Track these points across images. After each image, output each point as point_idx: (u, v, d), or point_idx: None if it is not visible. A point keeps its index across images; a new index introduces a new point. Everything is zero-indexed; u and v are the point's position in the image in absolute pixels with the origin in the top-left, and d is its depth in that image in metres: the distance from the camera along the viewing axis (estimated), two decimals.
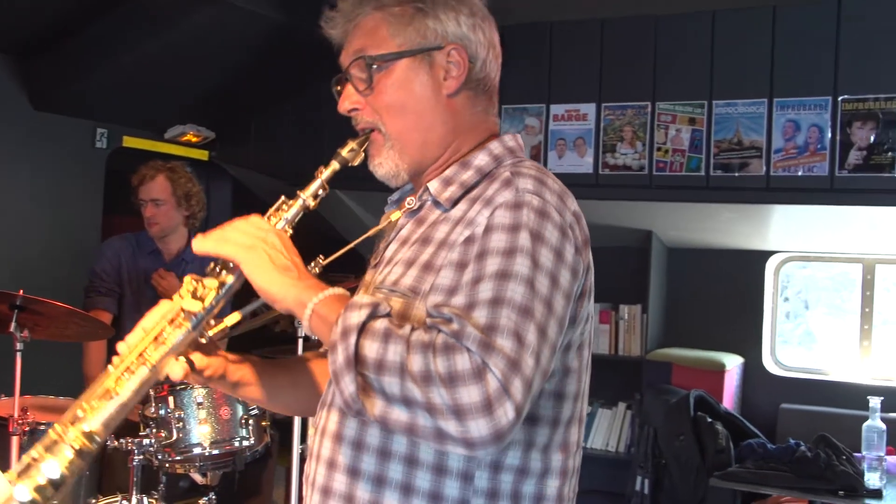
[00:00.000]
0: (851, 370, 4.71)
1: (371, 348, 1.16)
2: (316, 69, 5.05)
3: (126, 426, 3.38)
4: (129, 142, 5.12)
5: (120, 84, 4.54)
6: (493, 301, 1.19)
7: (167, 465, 3.01)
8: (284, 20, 4.38)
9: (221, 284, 1.33)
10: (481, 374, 1.13)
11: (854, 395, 4.45)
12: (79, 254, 4.63)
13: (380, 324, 1.19)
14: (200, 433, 3.00)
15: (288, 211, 1.43)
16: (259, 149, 5.42)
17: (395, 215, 1.49)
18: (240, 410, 3.09)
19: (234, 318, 1.41)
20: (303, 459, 3.31)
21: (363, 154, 1.48)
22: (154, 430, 3.00)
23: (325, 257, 1.47)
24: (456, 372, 1.13)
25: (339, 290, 1.27)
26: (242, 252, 1.29)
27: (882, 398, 3.75)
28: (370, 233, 1.54)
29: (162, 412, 2.97)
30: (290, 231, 1.41)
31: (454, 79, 1.43)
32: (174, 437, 2.94)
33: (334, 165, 1.47)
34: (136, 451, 2.93)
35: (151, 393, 3.04)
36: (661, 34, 4.34)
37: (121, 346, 1.34)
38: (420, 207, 1.45)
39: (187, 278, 1.33)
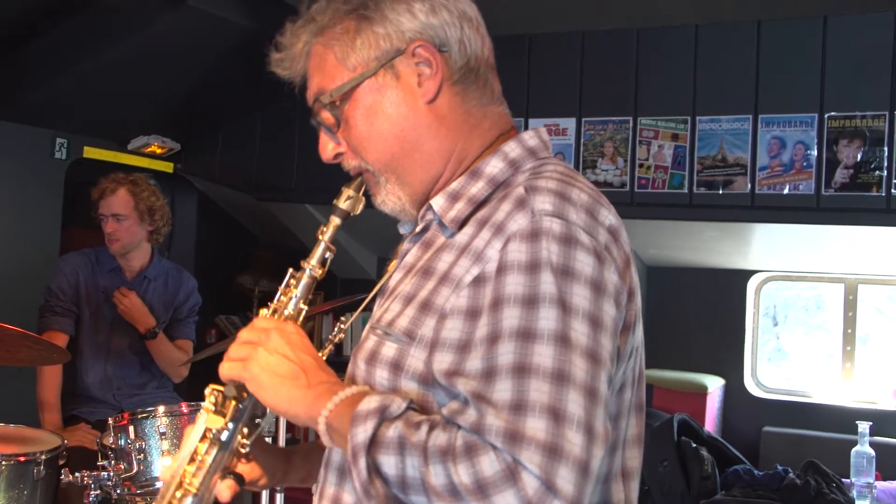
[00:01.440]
0: (834, 392, 4.62)
1: (388, 464, 1.02)
2: (288, 79, 4.91)
3: (83, 456, 3.18)
4: (90, 153, 4.91)
5: (81, 92, 4.34)
6: (516, 369, 1.00)
7: (127, 499, 2.81)
8: (255, 27, 4.22)
9: (241, 392, 1.21)
10: (514, 475, 0.95)
11: (838, 418, 4.37)
12: (36, 270, 4.41)
13: (393, 431, 1.03)
14: (163, 465, 2.79)
15: (297, 287, 1.30)
16: (227, 161, 5.24)
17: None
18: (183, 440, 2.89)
19: (269, 419, 1.30)
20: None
21: (363, 200, 1.30)
22: (113, 462, 2.80)
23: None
24: (484, 479, 0.96)
25: (350, 392, 1.12)
26: (243, 370, 1.18)
27: (871, 423, 3.65)
28: (390, 270, 1.35)
29: (121, 442, 2.75)
30: (306, 307, 1.29)
31: (429, 80, 1.23)
32: (135, 469, 2.74)
33: (335, 221, 1.31)
34: (92, 486, 2.73)
35: (110, 422, 2.85)
36: (643, 48, 4.23)
37: (164, 473, 1.26)
38: (426, 228, 1.26)
39: (208, 389, 1.22)
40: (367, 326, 1.26)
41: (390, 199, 1.28)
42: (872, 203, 3.82)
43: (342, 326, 1.35)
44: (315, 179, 4.99)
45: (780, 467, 3.75)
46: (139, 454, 2.74)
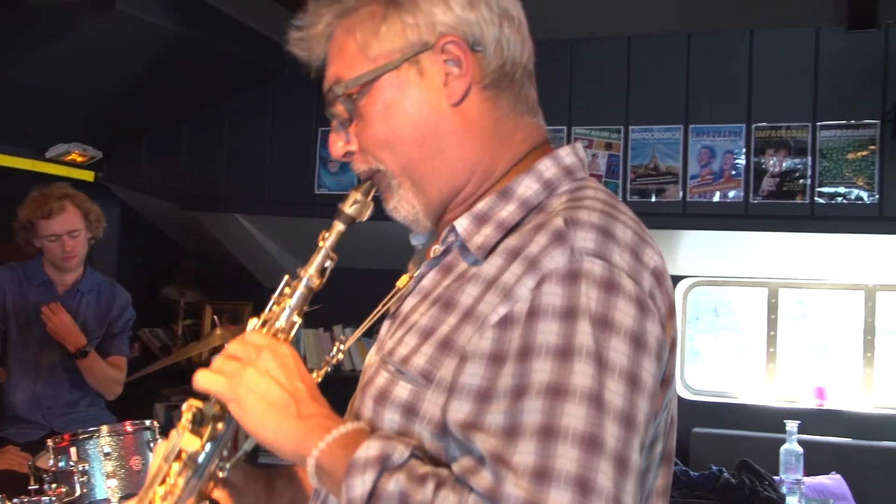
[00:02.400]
0: (759, 393, 4.78)
1: None
2: (217, 86, 4.81)
3: (13, 481, 3.05)
4: (5, 160, 4.71)
5: None
6: (543, 430, 0.89)
7: None
8: (184, 33, 4.12)
9: (223, 412, 1.10)
10: None
11: (763, 418, 4.51)
12: None
13: (394, 485, 0.92)
14: (108, 487, 2.69)
15: (292, 297, 1.16)
16: (151, 170, 5.10)
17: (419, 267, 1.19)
18: (151, 458, 2.80)
19: (252, 442, 1.14)
20: None
21: (371, 205, 1.17)
22: (53, 486, 2.69)
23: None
24: None
25: (345, 430, 1.01)
26: (228, 388, 1.05)
27: (799, 422, 3.78)
28: (399, 290, 1.23)
29: (62, 464, 2.65)
30: (299, 320, 1.16)
31: (457, 80, 1.10)
32: (77, 492, 2.63)
33: (339, 227, 1.16)
34: None
35: (50, 443, 2.74)
36: (578, 58, 4.30)
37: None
38: (446, 251, 1.13)
39: (185, 405, 1.10)
40: (376, 355, 1.16)
41: (403, 207, 1.16)
42: (797, 210, 3.98)
43: (342, 348, 1.21)
44: (245, 188, 4.91)
45: (714, 467, 3.86)
46: (82, 476, 2.64)
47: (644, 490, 1.07)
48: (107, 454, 2.70)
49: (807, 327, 5.02)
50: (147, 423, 2.86)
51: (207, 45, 4.32)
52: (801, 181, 3.98)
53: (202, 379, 1.07)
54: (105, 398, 3.60)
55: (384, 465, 0.94)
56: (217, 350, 2.88)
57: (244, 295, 5.46)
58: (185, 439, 1.10)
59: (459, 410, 0.97)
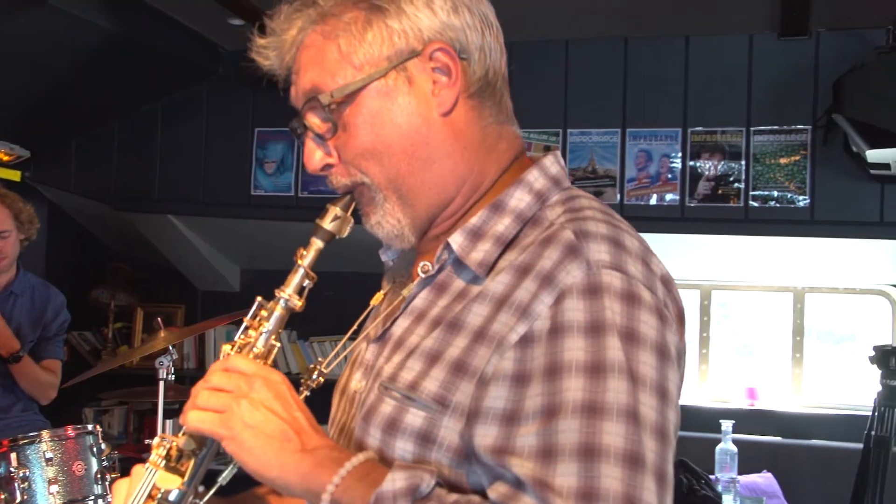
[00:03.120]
0: (693, 393, 4.86)
1: None
2: (149, 85, 4.71)
3: None
4: None
5: None
6: (583, 451, 0.87)
7: None
8: (116, 30, 4.02)
9: (200, 446, 1.04)
10: None
11: (697, 418, 4.58)
12: None
13: None
14: (50, 493, 2.61)
15: (269, 319, 1.09)
16: (81, 170, 4.97)
17: (406, 289, 1.13)
18: (94, 464, 2.73)
19: (227, 476, 1.08)
20: None
21: (352, 221, 1.12)
22: None
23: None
24: None
25: (358, 461, 0.95)
26: (220, 425, 0.98)
27: (733, 421, 3.86)
28: (374, 308, 1.20)
29: (1, 471, 2.57)
30: (278, 345, 1.10)
31: (447, 89, 1.06)
32: (17, 498, 2.56)
33: (317, 244, 1.10)
34: None
35: None
36: (515, 61, 4.28)
37: None
38: (440, 270, 1.08)
39: (157, 439, 1.04)
40: (363, 379, 1.12)
41: (388, 222, 1.10)
42: (732, 214, 4.06)
43: (323, 370, 1.15)
44: (179, 189, 4.82)
45: None
46: (23, 483, 2.57)
47: None
48: (48, 460, 2.63)
49: (737, 329, 5.13)
50: (89, 427, 2.79)
51: (140, 43, 4.23)
52: (736, 185, 4.07)
53: (192, 419, 1.00)
54: (39, 403, 3.49)
55: (414, 497, 0.90)
56: (163, 351, 2.82)
57: (177, 297, 5.35)
58: (160, 477, 1.03)
59: (486, 435, 0.94)
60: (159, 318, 2.91)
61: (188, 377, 4.93)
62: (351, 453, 0.98)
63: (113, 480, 2.80)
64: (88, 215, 5.23)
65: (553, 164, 1.12)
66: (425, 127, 1.07)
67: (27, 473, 2.58)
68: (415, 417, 0.99)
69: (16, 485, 2.57)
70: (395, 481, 0.91)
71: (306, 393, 1.12)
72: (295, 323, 4.61)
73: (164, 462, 1.04)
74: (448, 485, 0.97)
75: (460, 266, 1.06)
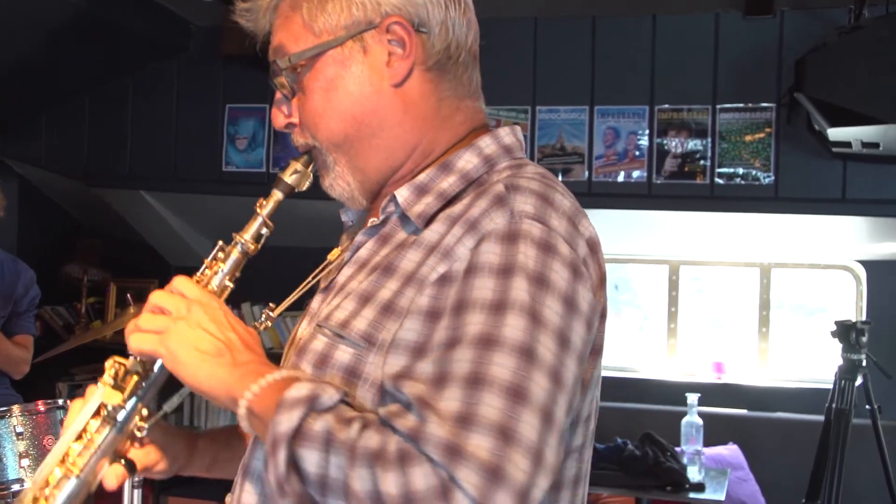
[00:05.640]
0: (661, 367, 4.94)
1: (310, 460, 0.91)
2: (120, 59, 4.70)
3: None
4: None
5: None
6: (470, 379, 0.90)
7: None
8: (86, 5, 4.01)
9: (147, 370, 1.10)
10: (447, 494, 0.85)
11: (664, 391, 4.66)
12: None
13: (321, 424, 0.92)
14: (21, 467, 2.63)
15: (225, 260, 1.16)
16: (52, 145, 4.96)
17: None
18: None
19: (174, 402, 1.16)
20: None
21: (311, 176, 1.19)
22: None
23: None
24: (413, 492, 0.86)
25: (279, 376, 1.00)
26: (159, 343, 1.05)
27: (699, 395, 3.93)
28: (331, 263, 1.23)
29: None
30: (231, 285, 1.17)
31: (400, 61, 1.11)
32: None
33: (276, 196, 1.18)
34: None
35: None
36: (484, 38, 4.32)
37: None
38: (384, 222, 1.14)
39: (109, 361, 1.10)
40: (307, 321, 1.17)
41: (338, 184, 1.17)
42: (698, 191, 4.12)
43: (271, 315, 1.22)
44: (151, 165, 4.82)
45: (619, 440, 3.97)
46: None
47: (584, 470, 1.11)
48: (19, 434, 2.65)
49: (704, 303, 5.20)
50: (60, 402, 2.82)
51: (110, 18, 4.21)
52: (702, 162, 4.12)
53: (134, 341, 1.07)
54: (12, 378, 3.51)
55: (312, 405, 0.94)
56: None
57: (149, 272, 5.34)
58: (105, 393, 1.09)
59: (395, 364, 0.99)
60: (129, 294, 2.93)
61: None
62: (277, 369, 1.03)
63: None
64: (60, 190, 5.22)
65: (508, 134, 1.16)
66: (376, 96, 1.12)
67: None
68: (343, 353, 1.04)
69: None
70: (299, 390, 0.95)
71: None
72: (269, 298, 4.63)
73: (112, 381, 1.10)
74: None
75: (405, 219, 1.11)
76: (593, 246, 1.05)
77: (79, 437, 1.10)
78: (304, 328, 1.19)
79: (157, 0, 4.39)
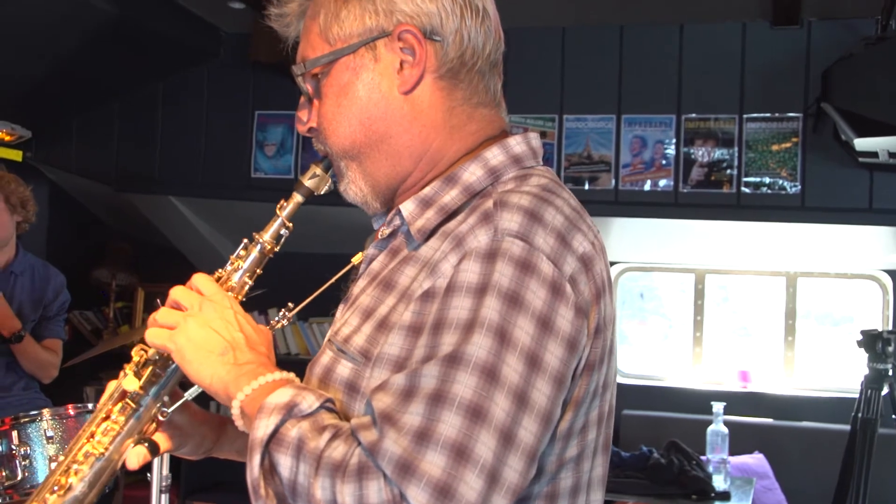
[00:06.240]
0: (686, 376, 4.93)
1: (283, 465, 0.95)
2: (150, 66, 4.76)
3: None
4: None
5: None
6: (433, 395, 0.91)
7: None
8: (116, 12, 4.07)
9: (167, 359, 1.15)
10: None
11: (690, 400, 4.66)
12: None
13: (295, 431, 0.96)
14: (50, 471, 2.67)
15: (246, 258, 1.20)
16: (82, 150, 5.02)
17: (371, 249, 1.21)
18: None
19: (194, 391, 1.20)
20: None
21: (329, 180, 1.21)
22: None
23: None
24: None
25: (272, 378, 1.04)
26: (169, 339, 1.10)
27: (725, 403, 3.93)
28: (355, 266, 1.27)
29: (3, 448, 2.61)
30: (251, 282, 1.21)
31: (411, 69, 1.12)
32: (19, 476, 2.60)
33: (297, 198, 1.21)
34: None
35: None
36: (512, 48, 4.32)
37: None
38: (394, 233, 1.16)
39: (136, 347, 1.15)
40: (328, 335, 1.19)
41: (351, 189, 1.18)
42: (725, 199, 4.12)
43: (287, 314, 1.24)
44: (180, 171, 4.88)
45: (644, 448, 3.97)
46: (24, 460, 2.62)
47: (578, 476, 1.09)
48: (49, 438, 2.67)
49: (730, 312, 5.19)
50: (90, 406, 2.84)
51: (141, 25, 4.27)
52: (728, 171, 4.12)
53: (148, 335, 1.12)
54: (41, 382, 3.55)
55: (290, 413, 0.97)
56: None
57: (177, 278, 5.34)
58: (126, 380, 1.15)
59: (378, 378, 1.01)
60: (158, 300, 2.96)
61: None
62: (275, 371, 1.06)
63: None
64: (89, 195, 5.29)
65: (519, 143, 1.14)
66: (384, 102, 1.13)
67: (28, 451, 2.62)
68: (344, 368, 1.07)
69: (17, 462, 2.62)
70: (280, 396, 0.99)
71: (272, 333, 1.21)
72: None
73: (135, 368, 1.16)
74: None
75: (409, 233, 1.12)
76: (587, 262, 1.03)
77: (105, 419, 1.16)
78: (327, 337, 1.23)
79: (188, 7, 4.45)
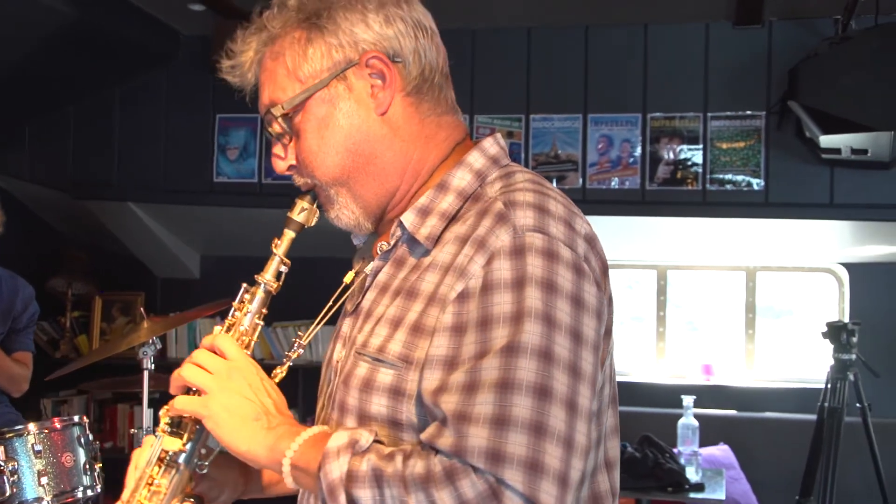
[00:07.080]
0: (651, 371, 5.01)
1: (366, 497, 1.02)
2: (106, 69, 4.65)
3: None
4: None
5: None
6: (500, 384, 1.00)
7: None
8: (74, 14, 3.96)
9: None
10: (498, 496, 0.97)
11: (656, 394, 4.73)
12: None
13: (366, 464, 1.03)
14: (40, 485, 2.61)
15: (252, 302, 1.26)
16: (36, 157, 4.89)
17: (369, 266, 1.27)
18: (83, 455, 2.73)
19: None
20: None
21: (318, 211, 1.27)
22: None
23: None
24: (465, 502, 0.97)
25: (314, 431, 1.12)
26: (202, 406, 1.16)
27: (695, 397, 4.00)
28: (348, 287, 1.32)
29: None
30: (261, 323, 1.28)
31: (383, 91, 1.20)
32: (7, 492, 2.54)
33: (289, 235, 1.27)
34: None
35: None
36: (479, 48, 4.39)
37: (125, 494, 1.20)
38: (395, 245, 1.23)
39: (163, 410, 1.19)
40: (343, 349, 1.25)
41: (344, 214, 1.25)
42: (691, 197, 4.20)
43: (302, 342, 1.29)
44: (138, 176, 4.78)
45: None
46: (12, 476, 2.56)
47: (599, 428, 1.19)
48: (37, 452, 2.62)
49: (692, 307, 5.29)
50: (76, 418, 2.79)
51: (98, 27, 4.18)
52: (693, 169, 4.20)
53: (179, 403, 1.18)
54: (11, 395, 3.45)
55: (354, 449, 1.04)
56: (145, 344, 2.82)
57: (136, 285, 5.31)
58: (166, 441, 1.19)
59: (431, 379, 1.07)
60: (142, 308, 2.91)
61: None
62: (307, 428, 1.14)
63: (98, 471, 2.81)
64: (44, 203, 5.15)
65: (492, 145, 1.24)
66: (365, 126, 1.21)
67: (16, 466, 2.57)
68: (385, 375, 1.13)
69: (5, 478, 2.56)
70: (339, 439, 1.06)
71: (289, 364, 1.29)
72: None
73: (169, 429, 1.20)
74: (419, 432, 1.09)
75: (413, 242, 1.19)
76: (591, 241, 1.13)
77: (148, 485, 1.20)
78: (338, 351, 1.27)
79: (147, 9, 4.36)
